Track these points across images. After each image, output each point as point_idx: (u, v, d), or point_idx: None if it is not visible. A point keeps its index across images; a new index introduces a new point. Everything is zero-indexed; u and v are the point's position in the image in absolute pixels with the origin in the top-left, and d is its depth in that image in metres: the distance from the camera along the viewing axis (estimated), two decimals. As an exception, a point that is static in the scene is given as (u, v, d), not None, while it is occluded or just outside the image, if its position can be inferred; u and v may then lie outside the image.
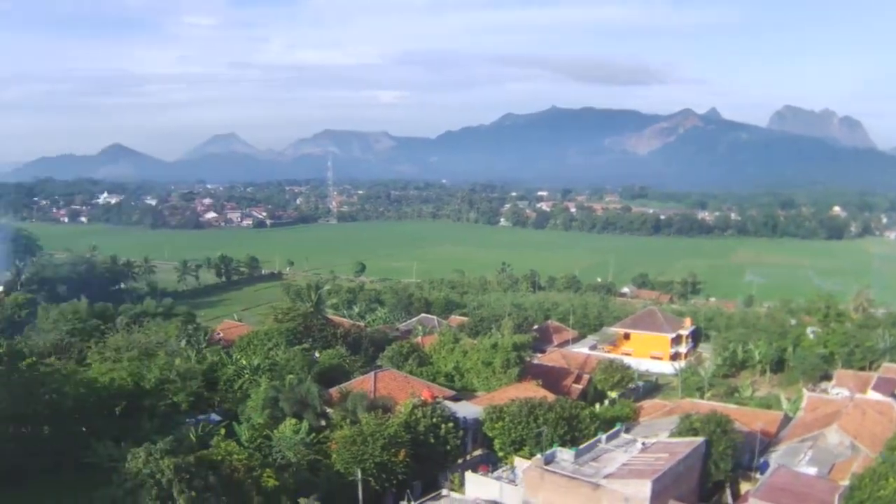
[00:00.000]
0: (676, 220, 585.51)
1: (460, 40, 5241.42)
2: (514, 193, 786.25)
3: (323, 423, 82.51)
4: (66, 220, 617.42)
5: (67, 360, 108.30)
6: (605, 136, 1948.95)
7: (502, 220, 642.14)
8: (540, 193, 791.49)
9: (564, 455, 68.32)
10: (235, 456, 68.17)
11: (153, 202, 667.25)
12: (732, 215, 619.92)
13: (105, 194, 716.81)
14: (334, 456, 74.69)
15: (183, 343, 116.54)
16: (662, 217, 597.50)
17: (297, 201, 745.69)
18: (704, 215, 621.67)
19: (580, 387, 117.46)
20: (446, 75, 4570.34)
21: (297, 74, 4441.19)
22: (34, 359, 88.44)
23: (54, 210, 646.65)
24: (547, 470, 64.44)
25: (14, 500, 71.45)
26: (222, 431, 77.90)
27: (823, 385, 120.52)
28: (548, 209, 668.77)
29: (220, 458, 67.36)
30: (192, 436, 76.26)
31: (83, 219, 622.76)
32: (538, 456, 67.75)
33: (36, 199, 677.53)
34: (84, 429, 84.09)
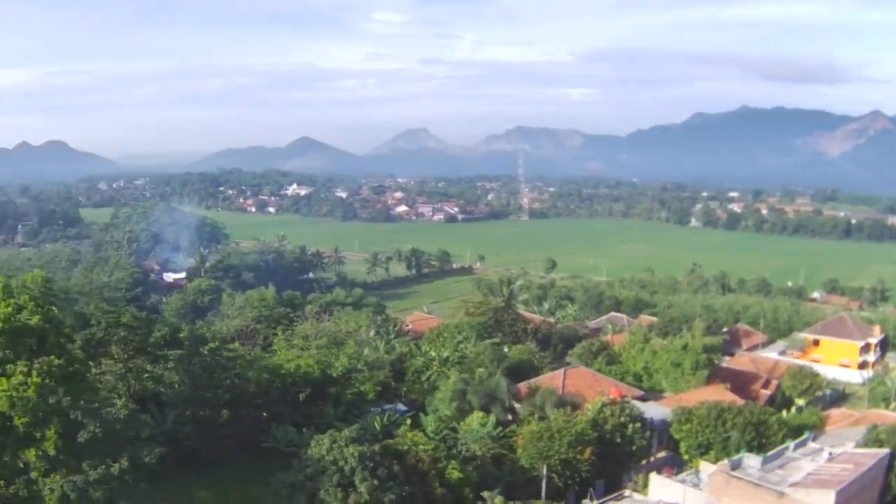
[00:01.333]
0: (867, 224, 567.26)
1: (649, 38, 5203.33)
2: (704, 193, 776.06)
3: (510, 417, 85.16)
4: (254, 210, 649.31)
5: (252, 346, 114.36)
6: (797, 137, 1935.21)
7: (693, 220, 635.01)
8: (731, 194, 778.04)
9: (751, 461, 69.43)
10: (421, 447, 70.69)
11: (343, 195, 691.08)
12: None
13: (294, 186, 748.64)
14: (520, 451, 77.27)
15: (372, 333, 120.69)
16: (854, 221, 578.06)
17: (489, 197, 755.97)
18: (895, 221, 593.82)
19: (768, 392, 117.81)
20: (636, 73, 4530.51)
21: (487, 71, 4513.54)
22: (216, 343, 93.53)
23: (241, 200, 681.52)
24: (733, 476, 65.95)
25: (192, 484, 75.66)
26: (408, 422, 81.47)
27: None
28: (739, 210, 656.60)
29: (405, 448, 70.08)
30: (376, 425, 79.66)
31: (271, 209, 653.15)
32: (725, 461, 69.62)
33: (222, 188, 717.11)
34: (265, 414, 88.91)
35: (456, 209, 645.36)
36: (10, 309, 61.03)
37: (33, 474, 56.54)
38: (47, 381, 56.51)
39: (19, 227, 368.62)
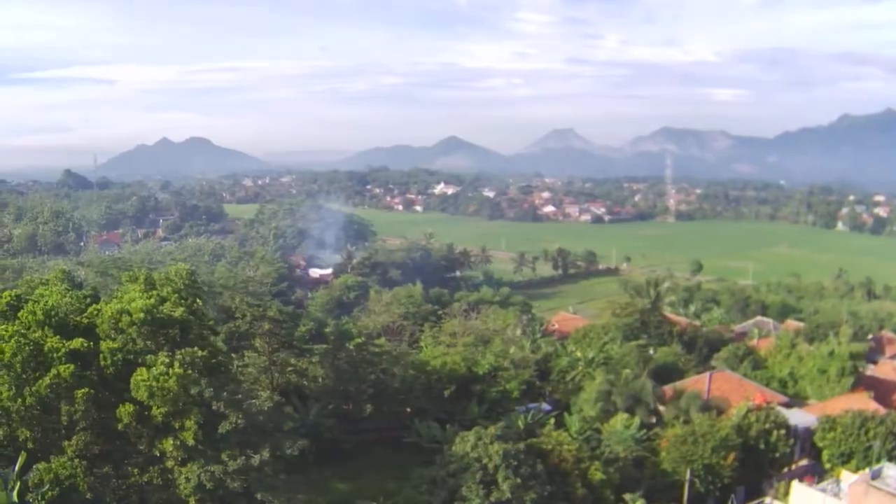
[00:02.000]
0: None
1: (794, 38, 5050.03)
2: (851, 197, 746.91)
3: (653, 420, 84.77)
4: (401, 208, 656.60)
5: (399, 342, 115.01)
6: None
7: (839, 224, 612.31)
8: (876, 198, 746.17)
9: (891, 471, 67.69)
10: (565, 446, 70.29)
11: (491, 194, 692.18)
12: None
13: (441, 184, 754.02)
14: (662, 454, 76.84)
15: (518, 332, 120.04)
16: None
17: (636, 198, 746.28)
18: None
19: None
20: (782, 74, 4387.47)
21: (633, 71, 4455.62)
22: (362, 339, 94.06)
23: (388, 198, 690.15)
24: (872, 486, 64.73)
25: (330, 476, 76.59)
26: (551, 421, 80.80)
27: None
28: (885, 215, 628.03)
29: (549, 447, 69.73)
30: (520, 423, 79.42)
31: (418, 208, 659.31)
32: (865, 471, 68.48)
33: (369, 186, 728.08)
34: (408, 409, 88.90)
35: (602, 210, 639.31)
36: (152, 301, 62.06)
37: (168, 463, 57.44)
38: (189, 371, 57.12)
39: (160, 221, 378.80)
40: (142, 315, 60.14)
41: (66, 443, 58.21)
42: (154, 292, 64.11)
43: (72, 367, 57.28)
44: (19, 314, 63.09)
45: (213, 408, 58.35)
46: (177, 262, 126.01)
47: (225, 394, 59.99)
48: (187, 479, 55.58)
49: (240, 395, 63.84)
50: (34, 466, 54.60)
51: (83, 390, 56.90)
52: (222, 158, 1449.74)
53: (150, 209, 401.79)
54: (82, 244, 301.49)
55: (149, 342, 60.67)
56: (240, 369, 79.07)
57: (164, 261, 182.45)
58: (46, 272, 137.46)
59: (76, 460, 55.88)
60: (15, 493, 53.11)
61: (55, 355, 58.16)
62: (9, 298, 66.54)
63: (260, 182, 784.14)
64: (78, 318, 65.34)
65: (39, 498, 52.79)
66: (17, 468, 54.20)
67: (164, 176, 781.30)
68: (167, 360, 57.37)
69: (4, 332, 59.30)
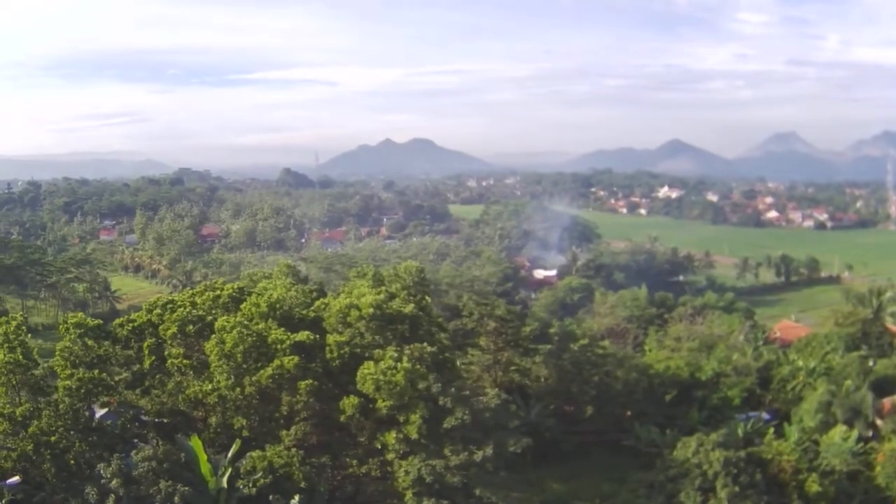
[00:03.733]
0: None
1: None
2: None
3: (870, 433, 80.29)
4: (625, 210, 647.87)
5: (623, 345, 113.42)
6: None
7: None
8: None
9: None
10: (784, 457, 67.89)
11: (714, 198, 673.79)
12: None
13: (665, 188, 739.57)
14: (877, 469, 72.68)
15: (741, 339, 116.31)
16: None
17: (857, 204, 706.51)
18: None
19: None
20: None
21: (854, 73, 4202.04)
22: (586, 341, 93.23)
23: (612, 201, 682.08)
24: None
25: (546, 475, 75.59)
26: (771, 430, 77.79)
27: None
28: None
29: (769, 457, 67.43)
30: (739, 431, 76.73)
31: (642, 211, 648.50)
32: None
33: (593, 189, 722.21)
34: (629, 413, 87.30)
35: (825, 216, 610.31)
36: (381, 296, 63.03)
37: (389, 456, 58.03)
38: (417, 366, 57.63)
39: (384, 220, 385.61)
40: (371, 310, 61.24)
41: (283, 432, 59.79)
42: (383, 288, 65.27)
43: (296, 358, 58.84)
44: (242, 306, 65.32)
45: (440, 403, 58.73)
46: (402, 260, 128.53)
47: (452, 389, 60.22)
48: (406, 472, 55.91)
49: (467, 392, 64.04)
50: (247, 454, 56.12)
51: (307, 381, 58.35)
52: (445, 159, 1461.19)
53: (374, 208, 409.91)
54: (303, 241, 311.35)
55: (377, 336, 61.65)
56: (464, 366, 79.55)
57: (389, 259, 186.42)
58: (265, 267, 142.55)
59: (293, 449, 57.22)
60: (225, 478, 54.92)
61: (279, 347, 59.81)
62: (231, 291, 69.25)
63: (484, 183, 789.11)
64: (303, 312, 67.12)
65: (250, 485, 54.32)
66: (230, 455, 56.20)
67: (386, 176, 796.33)
68: (395, 355, 58.11)
69: (226, 324, 61.35)
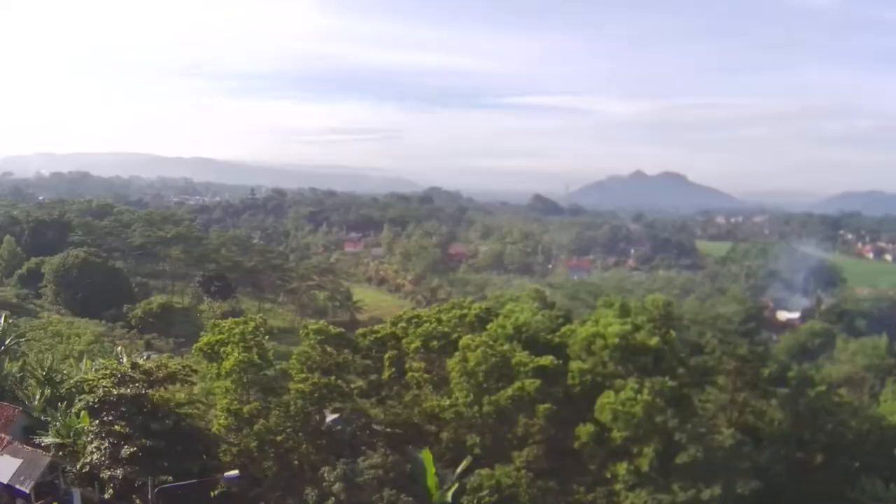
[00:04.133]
0: None
1: None
2: None
3: None
4: (871, 255, 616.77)
5: (860, 393, 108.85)
6: None
7: None
8: None
9: None
10: None
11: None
12: None
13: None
14: None
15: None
16: None
17: None
18: None
19: None
20: None
21: None
22: (824, 387, 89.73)
23: (859, 245, 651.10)
24: None
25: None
26: None
27: None
28: None
29: None
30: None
31: (888, 257, 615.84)
32: None
33: (841, 231, 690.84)
34: (857, 464, 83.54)
35: None
36: (627, 327, 62.74)
37: (617, 486, 57.46)
38: (657, 400, 57.01)
39: (631, 251, 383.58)
40: (616, 340, 61.26)
41: (515, 453, 59.95)
42: (629, 319, 64.97)
43: (537, 382, 59.36)
44: (488, 326, 66.48)
45: (675, 438, 57.82)
46: (648, 292, 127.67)
47: (689, 426, 59.21)
48: (632, 504, 55.50)
49: (703, 430, 62.79)
50: (476, 471, 57.00)
51: (545, 406, 58.81)
52: (696, 194, 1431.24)
53: (621, 239, 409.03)
54: (550, 266, 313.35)
55: (619, 367, 61.49)
56: (700, 404, 78.28)
57: (634, 290, 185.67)
58: (510, 290, 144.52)
59: (521, 471, 57.58)
60: (450, 493, 55.84)
61: (521, 369, 60.56)
62: (478, 310, 70.56)
63: (733, 220, 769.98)
64: (548, 337, 67.61)
65: (475, 502, 55.31)
66: (458, 470, 57.24)
67: (635, 208, 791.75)
68: (636, 387, 57.76)
69: (471, 342, 62.55)
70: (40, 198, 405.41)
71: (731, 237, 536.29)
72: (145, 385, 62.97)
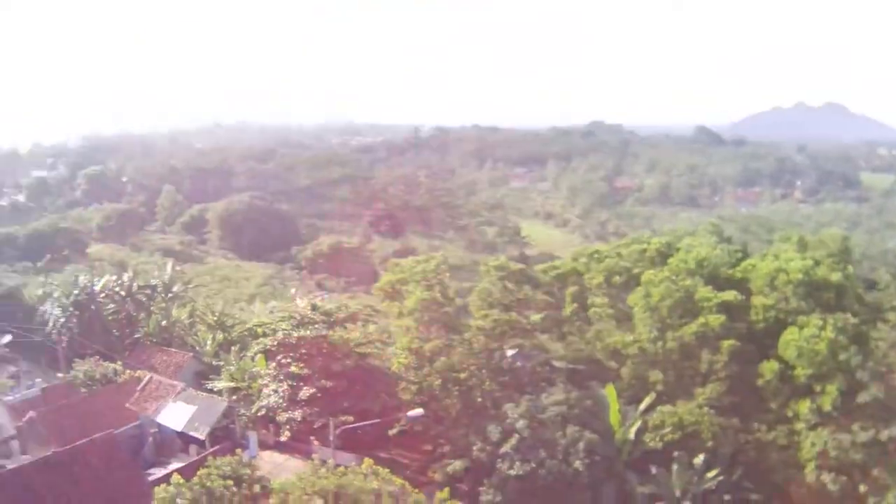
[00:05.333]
0: None
1: None
2: None
3: None
4: None
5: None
6: None
7: None
8: None
9: None
10: None
11: None
12: None
13: None
14: None
15: None
16: None
17: None
18: None
19: None
20: None
21: None
22: None
23: None
24: None
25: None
26: None
27: None
28: None
29: None
30: None
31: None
32: None
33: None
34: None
35: None
36: (808, 262, 62.69)
37: (798, 426, 57.83)
38: (840, 337, 57.00)
39: (797, 183, 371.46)
40: (799, 275, 61.31)
41: (698, 390, 61.19)
42: (809, 254, 64.80)
43: (722, 317, 60.13)
44: (669, 261, 67.27)
45: (857, 376, 57.65)
46: (818, 225, 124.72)
47: (870, 363, 58.88)
48: (813, 444, 55.55)
49: (883, 368, 62.22)
50: (658, 408, 58.49)
51: (729, 342, 59.59)
52: (858, 126, 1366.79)
53: (787, 170, 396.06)
54: (716, 199, 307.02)
55: (802, 303, 61.44)
56: (873, 342, 77.12)
57: (804, 223, 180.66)
58: (676, 223, 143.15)
59: (704, 408, 58.58)
60: (633, 430, 57.98)
61: (705, 304, 61.38)
62: (658, 245, 71.25)
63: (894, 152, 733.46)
64: (729, 272, 67.97)
65: (657, 439, 56.82)
66: (641, 407, 59.14)
67: (798, 139, 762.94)
68: (819, 323, 57.76)
69: (654, 277, 63.68)
70: (198, 145, 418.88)
71: (894, 170, 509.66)
72: (325, 326, 65.85)
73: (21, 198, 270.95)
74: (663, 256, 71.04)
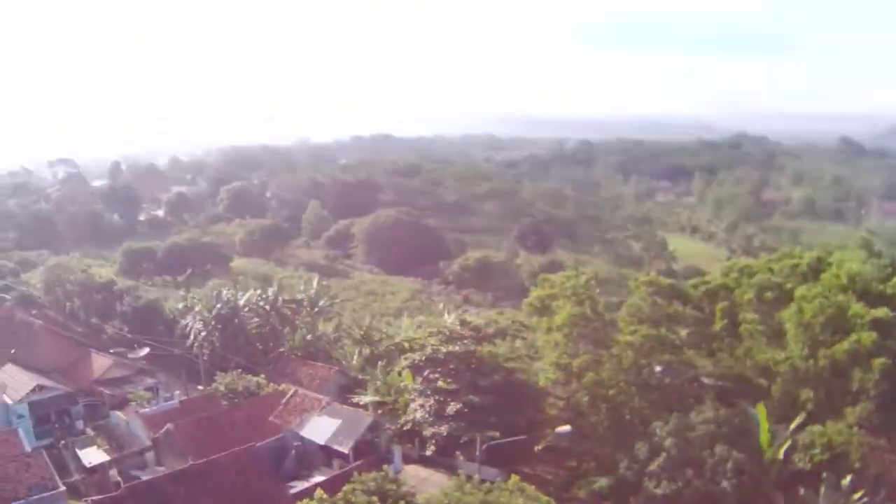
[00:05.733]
0: None
1: None
2: None
3: None
4: None
5: None
6: None
7: None
8: None
9: None
10: None
11: None
12: None
13: None
14: None
15: None
16: None
17: None
18: None
19: None
20: None
21: None
22: None
23: None
24: None
25: None
26: None
27: None
28: None
29: None
30: None
31: None
32: None
33: None
34: None
35: None
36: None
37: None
38: None
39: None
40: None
41: (847, 409, 60.38)
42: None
43: (874, 335, 58.89)
44: (821, 276, 65.81)
45: None
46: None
47: None
48: None
49: None
50: (808, 428, 57.71)
51: (880, 360, 59.00)
52: None
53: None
54: (862, 212, 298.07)
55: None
56: None
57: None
58: (823, 237, 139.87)
59: (854, 428, 57.74)
60: (782, 449, 57.34)
61: (858, 321, 60.23)
62: (810, 260, 69.90)
63: None
64: (880, 287, 66.36)
65: (806, 459, 55.98)
66: (792, 427, 58.37)
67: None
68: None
69: (807, 293, 62.23)
70: (342, 161, 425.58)
71: None
72: (474, 341, 66.16)
73: (160, 213, 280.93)
74: (815, 271, 70.66)
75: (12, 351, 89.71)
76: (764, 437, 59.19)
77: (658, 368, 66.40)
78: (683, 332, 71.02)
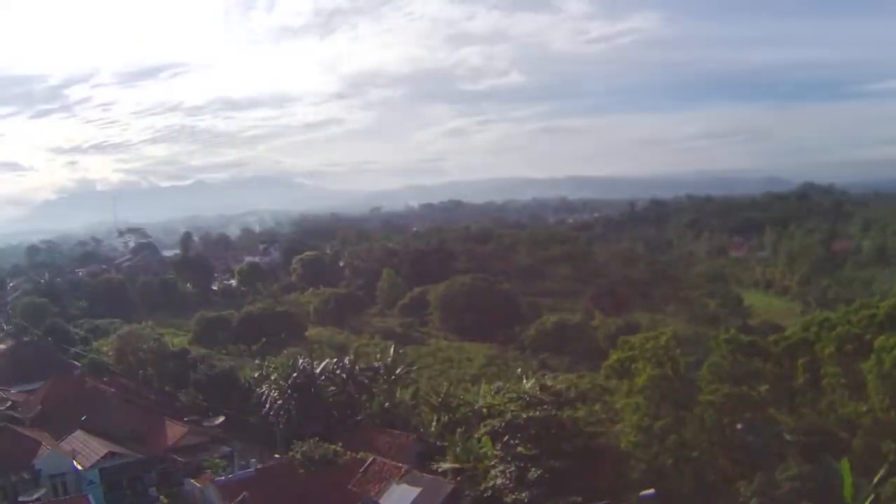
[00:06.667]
0: None
1: None
2: None
3: None
4: None
5: None
6: None
7: None
8: None
9: None
10: None
11: None
12: None
13: None
14: None
15: None
16: None
17: None
18: None
19: None
20: None
21: None
22: None
23: None
24: None
25: None
26: None
27: None
28: None
29: None
30: None
31: None
32: None
33: None
34: None
35: None
36: None
37: None
38: None
39: None
40: None
41: None
42: None
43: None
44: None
45: None
46: None
47: None
48: None
49: None
50: (890, 480, 56.83)
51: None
52: None
53: None
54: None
55: None
56: None
57: None
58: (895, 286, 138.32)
59: None
60: (867, 503, 55.97)
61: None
62: (887, 309, 69.28)
63: None
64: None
65: None
66: (875, 479, 57.18)
67: None
68: None
69: (885, 343, 61.80)
70: (414, 228, 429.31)
71: None
72: (554, 406, 65.58)
73: (233, 282, 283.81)
74: (892, 320, 69.98)
75: (83, 418, 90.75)
76: (847, 491, 57.61)
77: (740, 426, 66.25)
78: (763, 389, 70.66)
